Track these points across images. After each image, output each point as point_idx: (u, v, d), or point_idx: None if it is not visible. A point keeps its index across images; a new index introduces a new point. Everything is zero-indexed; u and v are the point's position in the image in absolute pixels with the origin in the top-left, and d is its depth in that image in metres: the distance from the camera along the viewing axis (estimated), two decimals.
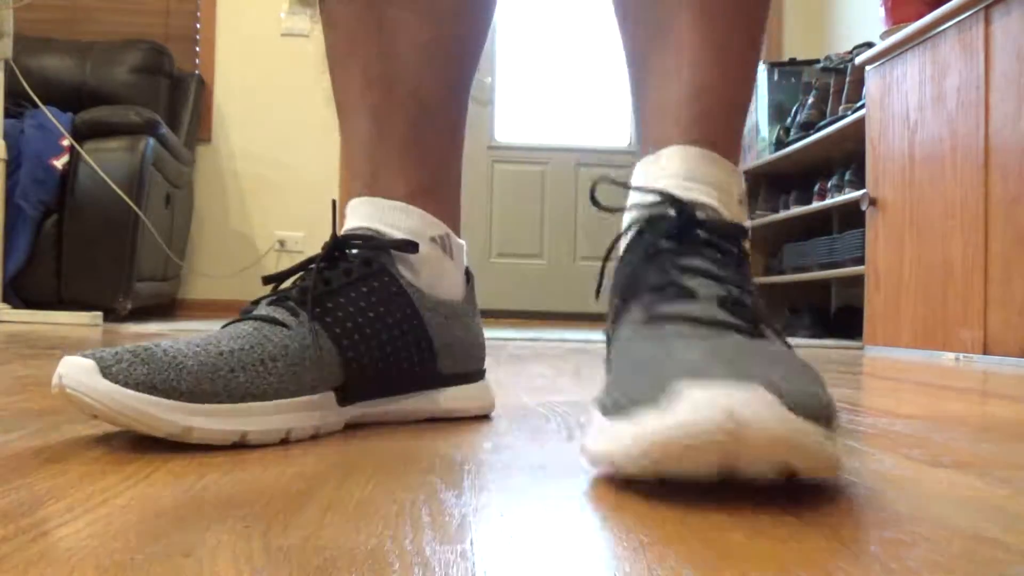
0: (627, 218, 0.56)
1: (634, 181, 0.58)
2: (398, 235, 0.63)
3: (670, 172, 0.56)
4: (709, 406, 0.36)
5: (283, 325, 0.56)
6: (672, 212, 0.52)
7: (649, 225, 0.53)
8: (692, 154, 0.56)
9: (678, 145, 0.57)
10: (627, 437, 0.39)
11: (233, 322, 0.57)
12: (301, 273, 0.60)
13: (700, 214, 0.52)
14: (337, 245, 0.61)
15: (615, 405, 0.42)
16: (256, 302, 0.60)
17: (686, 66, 0.58)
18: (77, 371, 0.47)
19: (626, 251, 0.55)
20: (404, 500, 0.39)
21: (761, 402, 0.36)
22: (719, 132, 0.58)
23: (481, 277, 3.72)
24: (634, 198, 0.56)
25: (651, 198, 0.54)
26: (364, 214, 0.65)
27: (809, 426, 0.37)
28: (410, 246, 0.62)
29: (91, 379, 0.47)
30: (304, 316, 0.56)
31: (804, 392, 0.38)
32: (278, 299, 0.58)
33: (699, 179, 0.55)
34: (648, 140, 0.60)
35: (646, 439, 0.38)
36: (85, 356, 0.48)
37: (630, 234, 0.55)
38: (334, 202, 0.65)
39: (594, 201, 0.57)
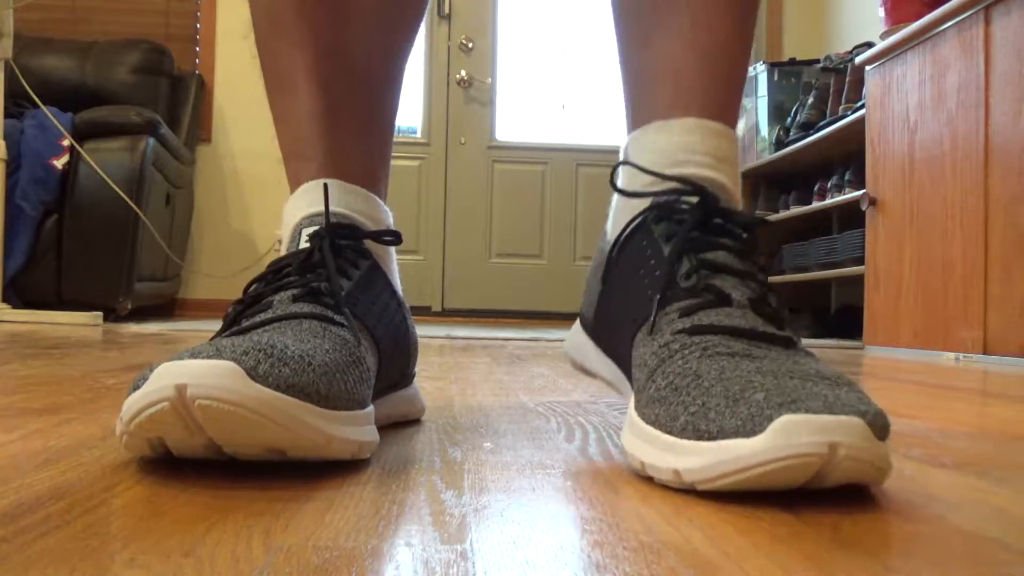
0: (633, 189, 0.55)
1: (643, 151, 0.56)
2: (371, 225, 0.60)
3: (687, 147, 0.55)
4: (813, 433, 0.38)
5: (341, 325, 0.50)
6: (693, 201, 0.52)
7: (664, 212, 0.53)
8: (707, 129, 0.55)
9: (689, 118, 0.56)
10: (713, 460, 0.40)
11: (280, 319, 0.48)
12: (293, 264, 0.54)
13: (721, 201, 0.52)
14: (331, 235, 0.56)
15: (694, 429, 0.42)
16: (255, 297, 0.52)
17: (703, 27, 0.57)
18: (216, 377, 0.38)
19: (642, 232, 0.54)
20: (404, 500, 0.39)
21: (857, 432, 0.38)
22: (729, 100, 0.58)
23: (481, 277, 3.70)
24: (642, 179, 0.55)
25: (666, 185, 0.53)
26: (332, 199, 0.58)
27: (886, 449, 0.41)
28: (394, 237, 0.59)
29: (239, 384, 0.38)
30: (349, 316, 0.51)
31: (879, 413, 0.40)
32: (308, 294, 0.51)
33: (716, 156, 0.55)
34: (655, 106, 0.57)
35: (739, 463, 0.39)
36: (209, 357, 0.39)
37: (645, 216, 0.54)
38: (325, 185, 0.57)
39: (614, 186, 0.57)
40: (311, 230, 0.57)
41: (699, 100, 0.56)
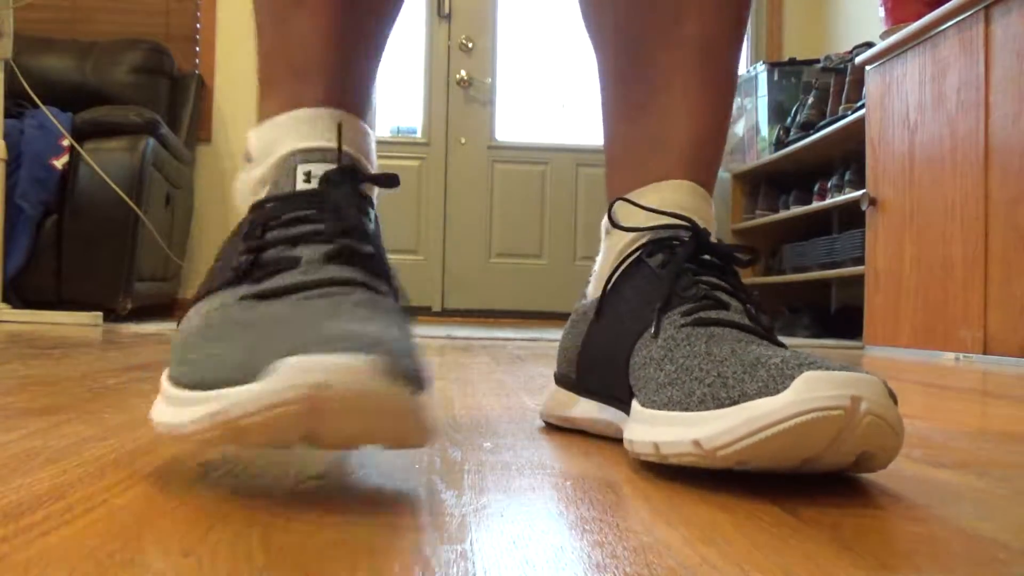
0: (626, 236, 0.58)
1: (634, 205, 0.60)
2: (371, 168, 0.55)
3: (674, 202, 0.58)
4: (839, 386, 0.39)
5: (385, 295, 0.46)
6: (686, 236, 0.55)
7: (659, 246, 0.56)
8: (695, 191, 0.60)
9: (682, 180, 0.60)
10: (737, 420, 0.41)
11: (318, 285, 0.43)
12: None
13: (711, 239, 0.56)
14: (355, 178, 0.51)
15: (713, 398, 0.43)
16: (273, 243, 0.46)
17: (691, 114, 0.61)
18: (352, 374, 0.34)
19: (637, 265, 0.56)
20: (404, 500, 0.39)
21: (877, 388, 0.41)
22: (710, 174, 0.63)
23: (481, 277, 3.70)
24: (637, 220, 0.58)
25: (662, 220, 0.57)
26: (329, 131, 0.53)
27: (900, 416, 0.42)
28: (392, 181, 0.54)
29: (383, 385, 0.35)
30: (393, 285, 0.48)
31: (887, 384, 0.43)
32: (340, 255, 0.45)
33: (699, 213, 0.59)
34: (648, 172, 0.61)
35: (766, 419, 0.39)
36: (345, 350, 0.34)
37: (639, 252, 0.57)
38: (340, 125, 0.52)
39: (612, 221, 0.59)
40: (312, 168, 0.51)
41: (688, 172, 0.60)
